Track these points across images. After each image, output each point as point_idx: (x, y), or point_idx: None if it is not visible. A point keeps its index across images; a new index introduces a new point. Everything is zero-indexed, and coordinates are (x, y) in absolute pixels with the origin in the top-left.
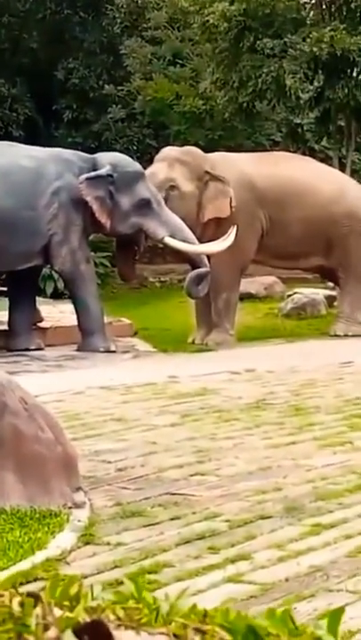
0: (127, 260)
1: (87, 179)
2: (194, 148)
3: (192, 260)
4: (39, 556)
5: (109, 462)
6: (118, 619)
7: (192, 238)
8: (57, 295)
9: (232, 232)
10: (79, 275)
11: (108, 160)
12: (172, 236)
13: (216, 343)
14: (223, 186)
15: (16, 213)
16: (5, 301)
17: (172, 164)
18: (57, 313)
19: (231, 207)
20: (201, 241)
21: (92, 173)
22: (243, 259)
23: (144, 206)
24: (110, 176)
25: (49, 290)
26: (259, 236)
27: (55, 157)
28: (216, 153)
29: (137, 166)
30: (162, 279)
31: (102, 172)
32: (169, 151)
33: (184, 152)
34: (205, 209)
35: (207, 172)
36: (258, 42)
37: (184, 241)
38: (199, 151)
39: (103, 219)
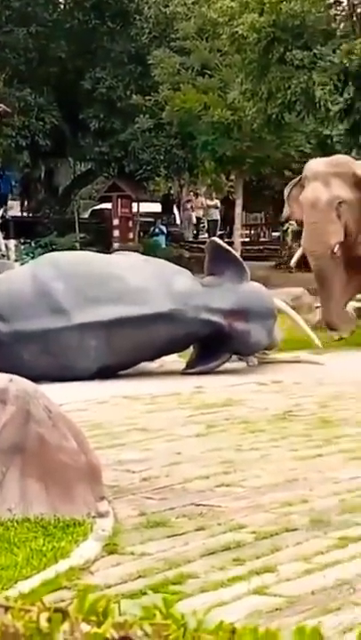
0: None
1: None
2: (339, 155)
3: None
4: (63, 565)
5: (133, 472)
6: (146, 635)
7: None
8: None
9: None
10: None
11: None
12: None
13: None
14: None
15: None
16: None
17: (327, 181)
18: None
19: None
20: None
21: None
22: None
23: None
24: None
25: None
26: None
27: None
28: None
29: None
30: None
31: None
32: (317, 167)
33: (332, 164)
34: None
35: (356, 175)
36: (287, 53)
37: None
38: (346, 157)
39: None
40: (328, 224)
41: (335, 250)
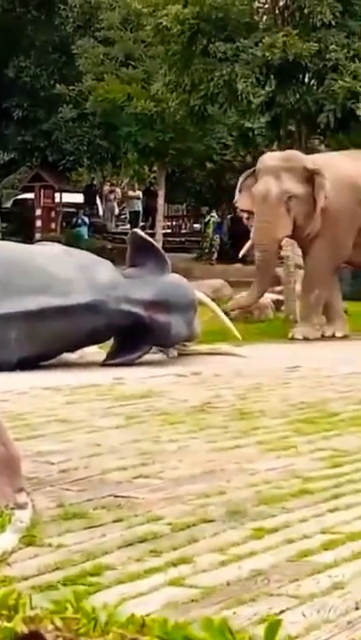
0: None
1: None
2: (291, 151)
3: None
4: None
5: (52, 463)
6: (57, 629)
7: None
8: None
9: None
10: None
11: None
12: None
13: (304, 336)
14: (320, 178)
15: None
16: None
17: (278, 175)
18: None
19: (325, 197)
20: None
21: None
22: (340, 256)
23: None
24: None
25: None
26: (355, 235)
27: None
28: (314, 155)
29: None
30: None
31: None
32: (269, 161)
33: (284, 158)
34: (317, 202)
35: (307, 169)
36: (210, 45)
37: None
38: (297, 152)
39: None
40: (277, 218)
41: (282, 243)
